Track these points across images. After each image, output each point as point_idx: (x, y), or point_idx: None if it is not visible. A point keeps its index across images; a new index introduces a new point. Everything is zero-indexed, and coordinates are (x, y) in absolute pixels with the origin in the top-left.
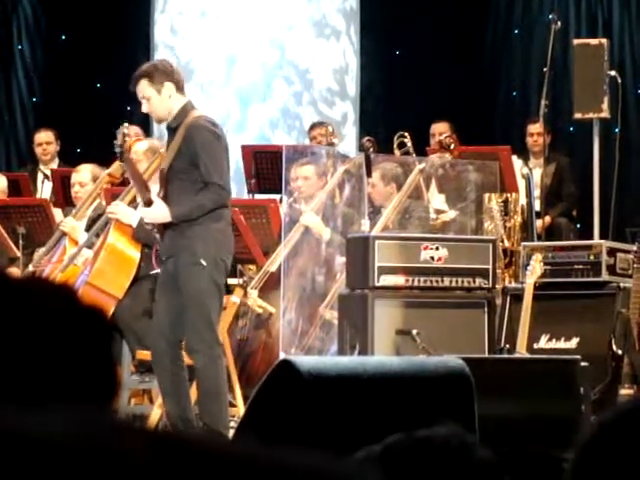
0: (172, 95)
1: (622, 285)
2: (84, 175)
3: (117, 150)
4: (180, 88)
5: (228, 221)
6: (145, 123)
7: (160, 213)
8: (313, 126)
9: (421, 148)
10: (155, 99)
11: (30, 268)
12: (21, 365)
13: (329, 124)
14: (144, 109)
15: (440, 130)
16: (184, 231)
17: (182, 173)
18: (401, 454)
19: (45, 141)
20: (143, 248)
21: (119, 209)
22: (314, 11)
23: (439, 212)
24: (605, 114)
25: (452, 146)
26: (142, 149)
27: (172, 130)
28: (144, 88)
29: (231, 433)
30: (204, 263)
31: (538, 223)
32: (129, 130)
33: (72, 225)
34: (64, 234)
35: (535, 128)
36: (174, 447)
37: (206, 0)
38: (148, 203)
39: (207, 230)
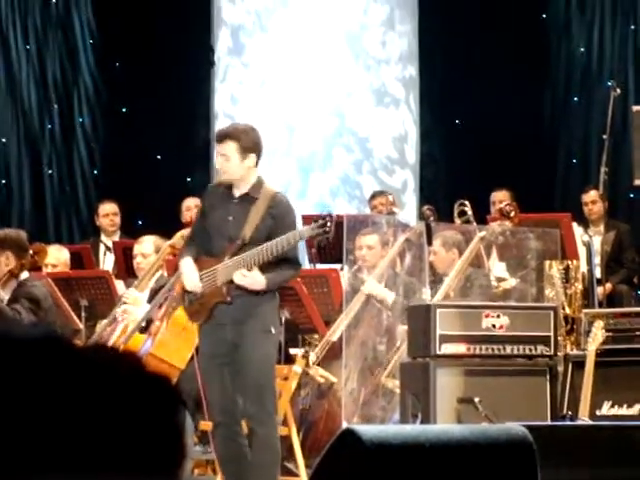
0: (251, 167)
1: None
2: (147, 246)
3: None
4: (258, 162)
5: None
6: None
7: (259, 279)
8: (374, 195)
9: (482, 216)
10: (235, 163)
11: (93, 340)
12: (89, 433)
13: (390, 193)
14: (217, 164)
15: (500, 198)
16: (255, 299)
17: (256, 244)
18: None
19: (112, 212)
20: None
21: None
22: (373, 79)
23: (500, 280)
24: None
25: (512, 214)
26: None
27: (242, 198)
28: (229, 148)
29: None
30: (273, 331)
31: (599, 290)
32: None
33: (134, 297)
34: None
35: (589, 197)
36: None
37: (266, 69)
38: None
39: (274, 299)
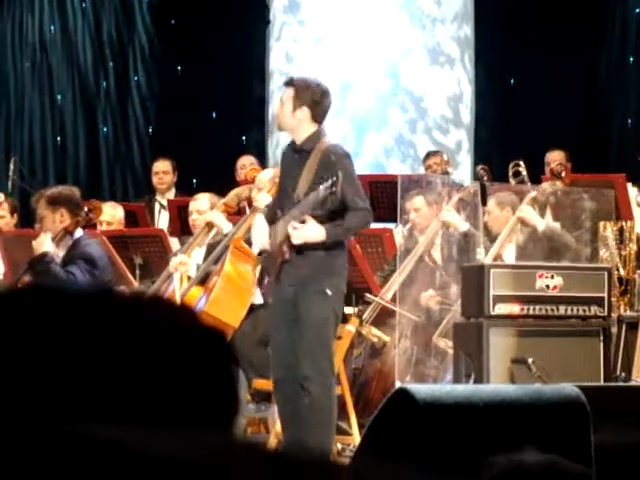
0: (302, 120)
1: None
2: (202, 203)
3: None
4: (315, 117)
5: (346, 250)
6: (261, 152)
7: (316, 232)
8: (428, 155)
9: (536, 176)
10: (286, 112)
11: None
12: (143, 386)
13: (444, 153)
14: (276, 108)
15: (555, 158)
16: (310, 260)
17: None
18: None
19: (162, 170)
20: (262, 277)
21: (305, 233)
22: (428, 39)
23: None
24: None
25: (563, 174)
26: (267, 177)
27: (299, 152)
28: (286, 95)
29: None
30: (329, 292)
31: None
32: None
33: (178, 262)
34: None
35: None
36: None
37: (321, 27)
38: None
39: (336, 261)
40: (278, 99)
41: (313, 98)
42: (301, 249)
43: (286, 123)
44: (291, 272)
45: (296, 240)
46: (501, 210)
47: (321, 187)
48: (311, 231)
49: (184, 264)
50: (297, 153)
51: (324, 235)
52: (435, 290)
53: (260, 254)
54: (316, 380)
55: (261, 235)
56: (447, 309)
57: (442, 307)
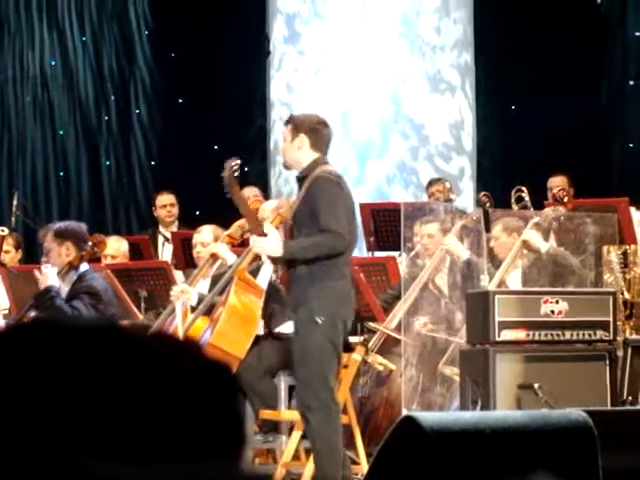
0: (303, 147)
1: None
2: (206, 235)
3: (225, 183)
4: (315, 145)
5: (349, 280)
6: (263, 183)
7: (272, 245)
8: (431, 182)
9: (539, 202)
10: (287, 145)
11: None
12: (149, 422)
13: (447, 180)
14: (278, 141)
15: (557, 184)
16: (304, 288)
17: (304, 225)
18: None
19: (169, 203)
20: (265, 308)
21: (263, 244)
22: (429, 66)
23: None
24: None
25: (565, 199)
26: (270, 207)
27: (300, 181)
28: (285, 132)
29: None
30: (319, 321)
31: None
32: (234, 164)
33: (179, 290)
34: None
35: None
36: None
37: (321, 57)
38: (261, 235)
39: (326, 288)
40: (279, 130)
41: (310, 126)
42: (291, 276)
43: (290, 156)
44: (291, 299)
45: (256, 249)
46: (508, 236)
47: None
48: (268, 243)
49: (185, 292)
50: (299, 182)
51: (281, 249)
52: (439, 318)
53: None
54: (315, 409)
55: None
56: (451, 337)
57: (433, 334)
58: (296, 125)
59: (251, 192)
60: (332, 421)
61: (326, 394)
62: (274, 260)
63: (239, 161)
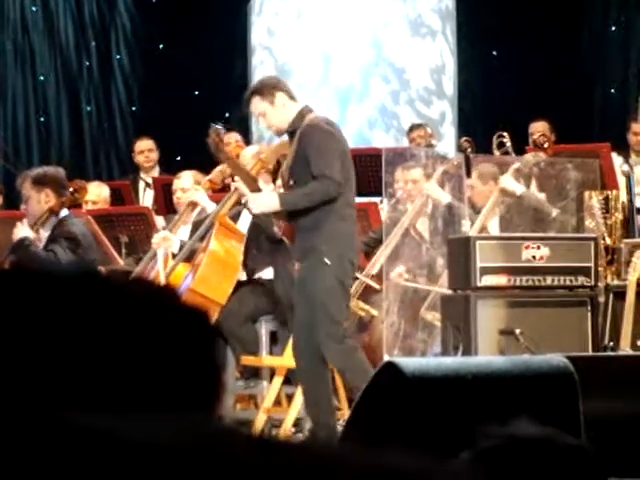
0: (285, 103)
1: None
2: (186, 181)
3: (212, 149)
4: (292, 96)
5: (352, 221)
6: (245, 129)
7: (268, 200)
8: (412, 128)
9: (521, 147)
10: (270, 111)
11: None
12: (124, 369)
13: (428, 125)
14: (263, 124)
15: (539, 129)
16: (310, 234)
17: (300, 176)
18: (500, 456)
19: (147, 149)
20: (246, 253)
21: (260, 202)
22: (410, 10)
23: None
24: None
25: (546, 145)
26: (251, 153)
27: (291, 135)
28: (257, 104)
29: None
30: (328, 262)
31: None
32: (221, 130)
33: (161, 237)
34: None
35: (639, 127)
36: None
37: (302, 1)
38: (254, 191)
39: (331, 232)
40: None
41: (277, 83)
42: (293, 225)
43: (278, 120)
44: (295, 249)
45: (255, 210)
46: (483, 184)
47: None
48: (263, 199)
49: (167, 240)
50: (290, 136)
51: (277, 201)
52: (421, 264)
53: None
54: (330, 348)
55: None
56: (428, 287)
57: (409, 284)
58: (263, 91)
59: (232, 138)
60: (351, 354)
61: (338, 330)
62: (276, 215)
63: (221, 127)
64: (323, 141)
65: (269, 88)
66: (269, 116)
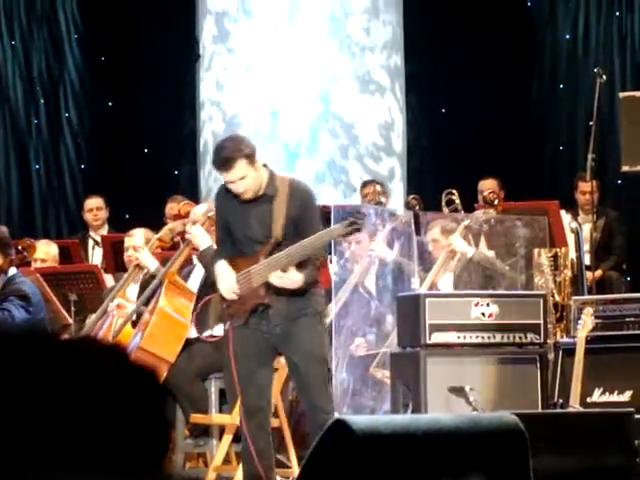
0: (259, 167)
1: None
2: (137, 239)
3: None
4: (258, 159)
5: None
6: (192, 187)
7: (295, 278)
8: (365, 184)
9: (470, 205)
10: (252, 175)
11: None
12: (73, 427)
13: (378, 183)
14: (237, 188)
15: (488, 187)
16: (306, 295)
17: (291, 238)
18: None
19: (96, 207)
20: (194, 311)
21: (195, 231)
22: (358, 66)
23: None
24: None
25: (496, 202)
26: (201, 211)
27: (261, 199)
28: (243, 169)
29: None
30: (326, 322)
31: (588, 276)
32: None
33: (115, 305)
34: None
35: (587, 186)
36: None
37: (251, 55)
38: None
39: (317, 289)
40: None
41: (251, 145)
42: (280, 291)
43: (257, 185)
44: (277, 312)
45: (279, 285)
46: (446, 239)
47: (341, 225)
48: (292, 278)
49: (122, 307)
50: (258, 200)
51: (301, 282)
52: (370, 320)
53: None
54: (331, 413)
55: (229, 281)
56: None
57: (369, 353)
58: (254, 153)
59: (177, 201)
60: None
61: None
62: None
63: (179, 197)
64: (316, 206)
65: (254, 152)
66: (249, 182)
